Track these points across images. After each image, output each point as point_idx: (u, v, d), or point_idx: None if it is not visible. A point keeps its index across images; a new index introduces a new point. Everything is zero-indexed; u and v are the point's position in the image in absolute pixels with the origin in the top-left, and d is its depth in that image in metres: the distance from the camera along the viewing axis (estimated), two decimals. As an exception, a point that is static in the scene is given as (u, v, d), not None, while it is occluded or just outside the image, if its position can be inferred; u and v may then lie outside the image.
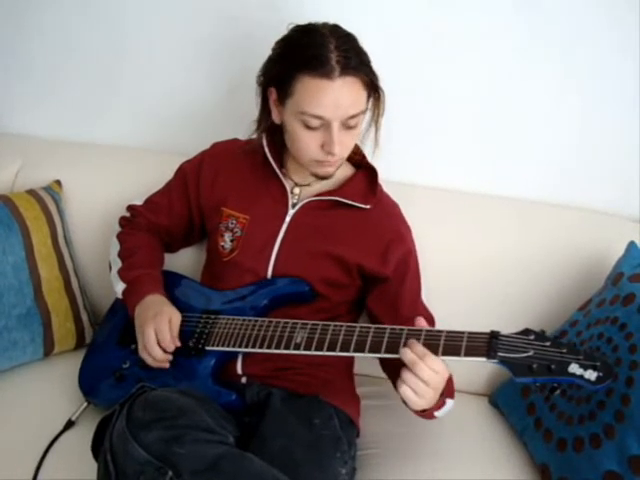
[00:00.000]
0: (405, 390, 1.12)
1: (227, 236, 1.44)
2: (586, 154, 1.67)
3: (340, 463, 1.26)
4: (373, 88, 1.30)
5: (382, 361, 1.41)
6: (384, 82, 1.32)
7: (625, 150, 1.64)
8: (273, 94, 1.32)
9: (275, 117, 1.35)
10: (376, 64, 1.30)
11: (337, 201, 1.41)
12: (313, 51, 1.22)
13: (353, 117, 1.26)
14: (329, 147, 1.27)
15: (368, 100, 1.31)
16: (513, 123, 1.67)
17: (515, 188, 1.70)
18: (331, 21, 1.31)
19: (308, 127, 1.26)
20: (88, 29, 1.76)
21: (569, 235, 1.59)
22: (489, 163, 1.71)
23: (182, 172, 1.53)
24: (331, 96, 1.22)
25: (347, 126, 1.27)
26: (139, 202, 1.56)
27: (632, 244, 1.45)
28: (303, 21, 1.31)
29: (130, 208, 1.55)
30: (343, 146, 1.30)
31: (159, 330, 1.32)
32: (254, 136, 1.43)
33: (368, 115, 1.34)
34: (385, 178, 1.49)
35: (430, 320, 1.40)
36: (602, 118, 1.63)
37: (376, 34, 1.57)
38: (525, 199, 1.69)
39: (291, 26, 1.32)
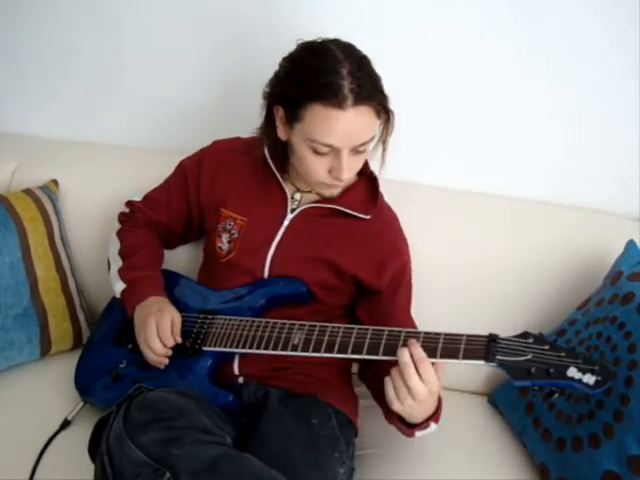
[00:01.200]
0: (388, 387, 1.12)
1: (224, 237, 1.43)
2: (586, 154, 1.66)
3: (338, 463, 1.25)
4: (384, 110, 1.28)
5: (361, 370, 1.43)
6: (384, 82, 1.29)
7: (625, 150, 1.63)
8: (280, 112, 1.29)
9: (281, 134, 1.32)
10: (376, 65, 1.27)
11: (337, 209, 1.40)
12: (325, 78, 1.18)
13: (364, 144, 1.25)
14: (337, 173, 1.26)
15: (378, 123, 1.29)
16: (513, 123, 1.66)
17: (515, 188, 1.70)
18: (331, 23, 1.28)
19: (317, 153, 1.25)
20: (86, 29, 1.76)
21: (569, 234, 1.58)
22: (489, 163, 1.70)
23: (182, 169, 1.52)
24: (343, 126, 1.20)
25: (356, 151, 1.26)
26: (138, 198, 1.55)
27: (631, 243, 1.44)
28: (304, 23, 1.29)
29: (129, 204, 1.55)
30: (352, 171, 1.30)
31: (160, 322, 1.31)
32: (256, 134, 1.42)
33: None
34: (385, 177, 1.47)
35: None
36: (602, 117, 1.62)
37: (375, 35, 1.57)
38: (525, 199, 1.69)
39: (300, 42, 1.27)
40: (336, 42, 1.25)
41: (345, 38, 1.27)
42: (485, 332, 1.13)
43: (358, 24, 1.29)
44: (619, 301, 1.33)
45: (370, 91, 1.21)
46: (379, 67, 1.27)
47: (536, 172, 1.69)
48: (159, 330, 1.31)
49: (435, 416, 1.20)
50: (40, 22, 1.76)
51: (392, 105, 1.31)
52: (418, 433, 1.22)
